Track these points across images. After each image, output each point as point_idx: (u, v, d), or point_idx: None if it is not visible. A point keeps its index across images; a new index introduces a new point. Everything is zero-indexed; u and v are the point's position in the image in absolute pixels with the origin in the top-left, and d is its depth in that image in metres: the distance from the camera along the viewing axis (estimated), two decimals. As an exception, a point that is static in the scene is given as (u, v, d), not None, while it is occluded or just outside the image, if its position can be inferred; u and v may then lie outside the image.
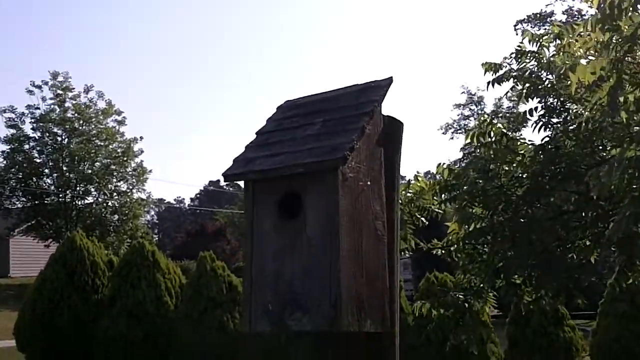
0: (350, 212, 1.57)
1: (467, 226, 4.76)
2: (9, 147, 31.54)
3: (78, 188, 31.82)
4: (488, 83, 4.87)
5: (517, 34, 35.05)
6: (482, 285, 4.90)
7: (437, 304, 5.13)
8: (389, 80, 1.76)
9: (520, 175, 4.78)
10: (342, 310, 1.49)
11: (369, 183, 1.65)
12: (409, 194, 5.16)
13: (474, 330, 5.16)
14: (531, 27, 31.63)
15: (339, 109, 1.72)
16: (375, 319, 1.62)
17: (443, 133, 42.74)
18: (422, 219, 5.06)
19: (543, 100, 4.93)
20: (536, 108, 4.81)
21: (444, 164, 5.02)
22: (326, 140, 1.61)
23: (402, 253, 4.50)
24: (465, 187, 4.75)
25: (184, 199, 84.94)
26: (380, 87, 1.74)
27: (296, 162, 1.57)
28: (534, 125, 4.80)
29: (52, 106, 31.87)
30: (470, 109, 41.29)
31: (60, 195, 31.53)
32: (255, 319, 1.61)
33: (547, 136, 4.76)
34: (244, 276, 1.66)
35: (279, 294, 1.57)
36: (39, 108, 31.81)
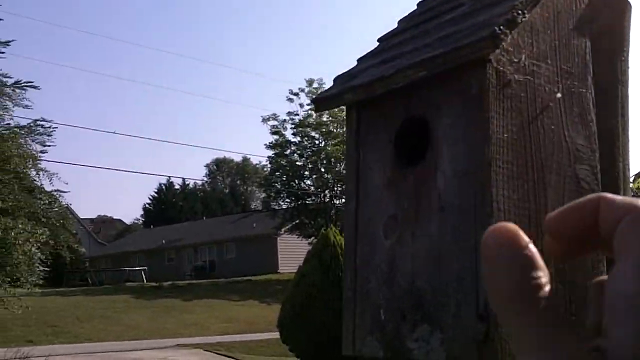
0: (517, 144, 0.84)
1: None
2: (274, 152, 33.98)
3: (335, 188, 33.11)
4: None
5: None
6: None
7: None
8: None
9: None
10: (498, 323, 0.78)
11: (559, 96, 0.90)
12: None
13: None
14: None
15: (504, -25, 0.99)
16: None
17: None
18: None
19: None
20: None
21: None
22: (470, 19, 0.90)
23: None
24: None
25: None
26: None
27: (415, 60, 0.89)
28: None
29: (309, 111, 33.58)
30: None
31: (320, 196, 33.09)
32: (361, 336, 0.96)
33: None
34: (344, 266, 1.00)
35: (395, 295, 0.89)
36: (297, 114, 33.79)
